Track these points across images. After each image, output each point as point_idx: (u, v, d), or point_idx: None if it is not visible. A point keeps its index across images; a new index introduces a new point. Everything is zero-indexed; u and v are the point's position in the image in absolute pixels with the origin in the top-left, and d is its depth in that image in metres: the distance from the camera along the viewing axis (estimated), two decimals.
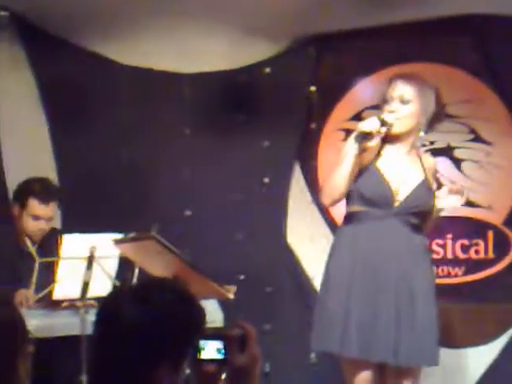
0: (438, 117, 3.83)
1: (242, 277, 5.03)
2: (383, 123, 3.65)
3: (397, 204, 3.70)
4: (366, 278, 3.69)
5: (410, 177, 3.74)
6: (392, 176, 3.73)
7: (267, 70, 5.20)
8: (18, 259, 4.30)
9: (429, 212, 3.75)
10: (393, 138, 3.75)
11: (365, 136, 3.58)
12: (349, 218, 3.81)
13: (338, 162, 3.80)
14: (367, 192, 3.70)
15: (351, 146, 3.65)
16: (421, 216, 3.74)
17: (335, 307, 3.72)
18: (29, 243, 4.37)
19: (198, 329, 1.89)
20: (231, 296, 3.71)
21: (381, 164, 3.75)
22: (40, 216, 4.34)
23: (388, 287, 3.67)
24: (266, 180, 5.23)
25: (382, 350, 3.64)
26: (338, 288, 3.75)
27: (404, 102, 3.71)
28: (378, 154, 3.77)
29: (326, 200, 3.82)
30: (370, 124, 3.62)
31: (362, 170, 3.73)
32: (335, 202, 3.82)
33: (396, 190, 3.71)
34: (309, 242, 5.22)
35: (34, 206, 4.34)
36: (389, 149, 3.79)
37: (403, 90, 3.73)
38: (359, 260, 3.71)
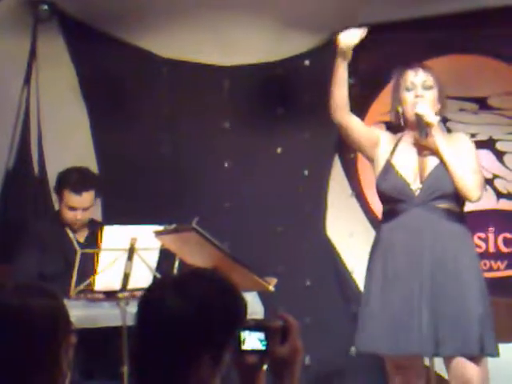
0: (445, 107, 3.84)
1: (281, 269, 5.02)
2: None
3: (416, 194, 3.69)
4: (398, 273, 3.68)
5: (428, 163, 3.72)
6: (409, 168, 3.72)
7: (306, 62, 5.18)
8: (66, 248, 4.34)
9: (457, 193, 3.70)
10: (412, 126, 3.74)
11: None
12: (383, 215, 3.84)
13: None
14: (386, 190, 3.74)
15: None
16: (450, 199, 3.70)
17: (371, 305, 3.72)
18: (71, 235, 4.41)
19: (239, 320, 1.89)
20: (272, 288, 3.71)
21: (396, 159, 3.75)
22: (75, 207, 4.38)
23: (421, 279, 3.65)
24: (306, 172, 5.22)
25: (418, 343, 3.62)
26: (371, 286, 3.75)
27: (427, 88, 3.72)
28: (394, 150, 3.77)
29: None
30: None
31: (380, 169, 3.75)
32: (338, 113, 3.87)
33: (414, 181, 3.70)
34: (348, 235, 5.20)
35: (69, 197, 4.38)
36: (407, 139, 3.77)
37: (425, 76, 3.74)
38: (391, 255, 3.71)
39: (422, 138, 3.70)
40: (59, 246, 4.36)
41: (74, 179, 4.41)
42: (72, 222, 4.40)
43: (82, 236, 4.46)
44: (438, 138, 3.68)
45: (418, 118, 3.68)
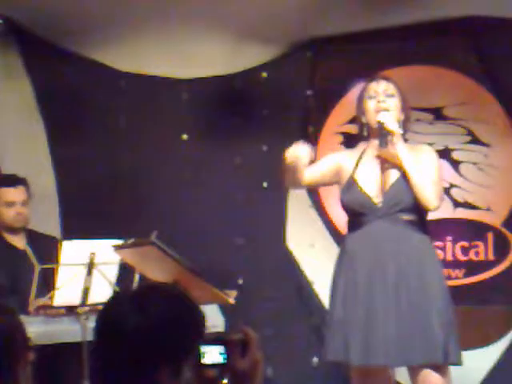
0: (408, 119, 3.86)
1: (242, 282, 5.03)
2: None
3: (379, 207, 3.71)
4: (362, 283, 3.69)
5: (390, 175, 3.75)
6: (372, 180, 3.74)
7: (264, 74, 5.21)
8: (12, 261, 4.35)
9: (419, 204, 3.72)
10: (375, 135, 3.76)
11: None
12: (347, 227, 3.85)
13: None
14: (349, 204, 3.76)
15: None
16: (412, 211, 3.72)
17: (336, 316, 3.73)
18: (28, 249, 4.39)
19: (198, 334, 1.88)
20: (232, 301, 3.71)
21: (359, 172, 3.77)
22: (13, 200, 4.46)
23: (385, 289, 3.67)
24: (265, 184, 5.24)
25: (384, 353, 3.63)
26: (337, 297, 3.76)
27: (389, 96, 3.75)
28: (357, 164, 3.79)
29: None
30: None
31: (344, 183, 3.77)
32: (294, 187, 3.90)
33: (377, 194, 3.72)
34: (308, 246, 5.22)
35: (4, 192, 4.48)
36: (370, 150, 3.79)
37: (387, 85, 3.78)
38: (355, 267, 3.72)
39: (382, 147, 3.71)
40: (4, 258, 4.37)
41: (4, 177, 4.64)
42: (13, 219, 4.43)
43: (20, 242, 4.46)
44: (400, 146, 3.70)
45: (380, 125, 3.70)
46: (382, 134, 3.69)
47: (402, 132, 3.77)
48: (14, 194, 4.46)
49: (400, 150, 3.70)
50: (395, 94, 3.78)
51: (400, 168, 3.72)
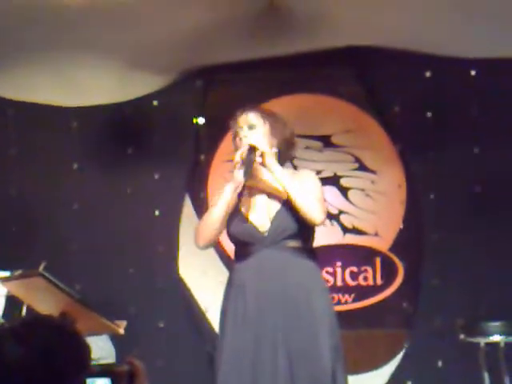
0: (291, 144, 3.87)
1: (133, 311, 4.99)
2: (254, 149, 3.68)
3: (265, 236, 3.73)
4: (250, 312, 3.70)
5: (273, 202, 3.77)
6: (257, 209, 3.76)
7: (155, 102, 5.22)
8: None
9: (304, 230, 3.75)
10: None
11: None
12: (235, 256, 3.85)
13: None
14: (236, 234, 3.76)
15: (226, 186, 3.68)
16: (298, 237, 3.76)
17: (225, 346, 3.72)
18: None
19: (82, 367, 1.86)
20: (121, 331, 3.67)
21: (245, 202, 3.78)
22: None
23: (273, 318, 3.68)
24: (157, 212, 5.23)
25: (272, 382, 3.65)
26: (226, 327, 3.75)
27: (251, 128, 3.77)
28: (242, 193, 3.80)
29: (199, 242, 3.82)
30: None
31: (230, 213, 3.77)
32: (208, 244, 3.84)
33: (263, 223, 3.74)
34: (201, 275, 5.22)
35: None
36: (251, 181, 3.81)
37: (248, 116, 3.79)
38: (242, 296, 3.72)
39: (245, 178, 3.68)
40: None
41: None
42: None
43: None
44: (274, 167, 3.70)
45: (251, 149, 3.67)
46: (248, 160, 3.66)
47: (275, 151, 3.77)
48: None
49: (275, 170, 3.70)
50: (256, 123, 3.78)
51: (283, 193, 3.75)
